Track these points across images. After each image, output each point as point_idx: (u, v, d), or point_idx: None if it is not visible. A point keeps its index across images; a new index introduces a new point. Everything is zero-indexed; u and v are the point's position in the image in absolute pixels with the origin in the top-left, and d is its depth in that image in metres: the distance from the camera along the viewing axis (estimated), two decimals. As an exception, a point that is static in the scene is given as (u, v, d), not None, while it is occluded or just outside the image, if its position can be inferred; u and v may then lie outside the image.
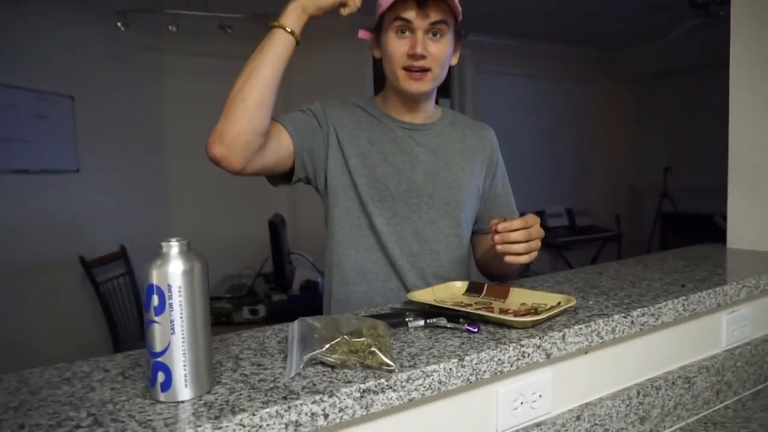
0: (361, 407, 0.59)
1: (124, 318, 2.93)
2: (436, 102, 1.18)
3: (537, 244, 0.90)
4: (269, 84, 0.92)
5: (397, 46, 1.02)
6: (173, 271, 0.55)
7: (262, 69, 0.91)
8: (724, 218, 1.50)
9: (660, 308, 0.90)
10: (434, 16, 1.00)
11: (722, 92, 1.52)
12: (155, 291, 0.55)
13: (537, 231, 0.90)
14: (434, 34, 1.02)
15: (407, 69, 1.02)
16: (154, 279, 0.55)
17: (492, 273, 1.18)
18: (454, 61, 1.10)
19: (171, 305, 0.55)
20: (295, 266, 2.68)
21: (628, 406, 0.88)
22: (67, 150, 3.02)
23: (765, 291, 1.12)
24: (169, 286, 0.55)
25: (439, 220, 1.10)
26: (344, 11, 0.97)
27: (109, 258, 3.01)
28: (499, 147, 1.21)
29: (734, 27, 1.43)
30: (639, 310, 0.87)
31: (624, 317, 0.85)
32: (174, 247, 0.56)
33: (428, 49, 1.01)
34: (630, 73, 5.31)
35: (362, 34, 1.10)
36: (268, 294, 2.63)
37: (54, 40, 2.95)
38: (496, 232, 0.90)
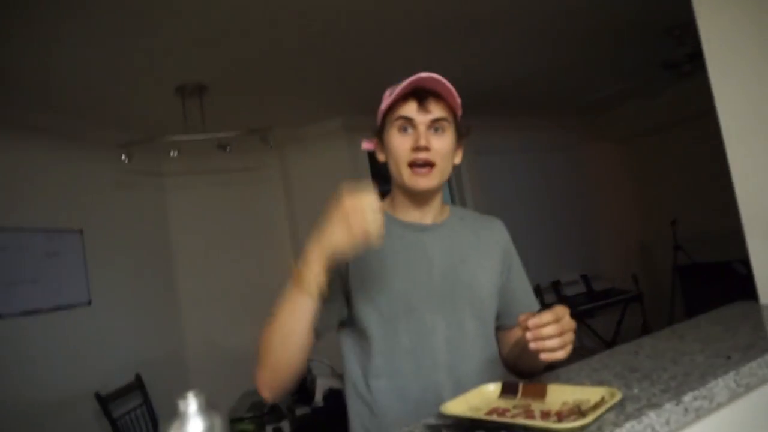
0: None
1: (142, 452, 2.79)
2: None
3: (571, 336, 0.86)
4: (306, 338, 0.94)
5: (401, 143, 1.02)
6: (193, 426, 0.51)
7: (298, 330, 0.92)
8: (743, 263, 1.45)
9: (711, 388, 0.84)
10: (435, 113, 1.02)
11: (711, 140, 1.53)
12: (175, 457, 0.51)
13: (569, 323, 0.87)
14: (436, 130, 1.03)
15: (412, 165, 1.02)
16: (173, 442, 0.52)
17: (522, 370, 1.12)
18: (458, 159, 1.11)
19: (193, 471, 0.51)
20: (315, 374, 2.58)
21: (700, 505, 0.79)
22: (78, 284, 3.03)
23: (815, 349, 1.05)
24: (190, 448, 0.51)
25: (465, 322, 1.06)
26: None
27: (125, 390, 2.92)
28: (510, 238, 1.20)
29: (714, 81, 1.46)
30: (690, 393, 0.81)
31: (676, 405, 0.79)
32: (191, 405, 0.53)
33: (431, 144, 1.01)
34: (619, 133, 5.44)
35: (366, 145, 1.12)
36: (291, 408, 2.51)
37: (60, 178, 3.06)
38: (526, 328, 0.86)
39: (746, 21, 1.41)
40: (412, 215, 1.09)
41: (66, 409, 2.77)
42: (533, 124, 5.00)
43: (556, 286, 4.74)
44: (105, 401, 2.68)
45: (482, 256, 1.12)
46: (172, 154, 3.12)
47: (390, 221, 1.09)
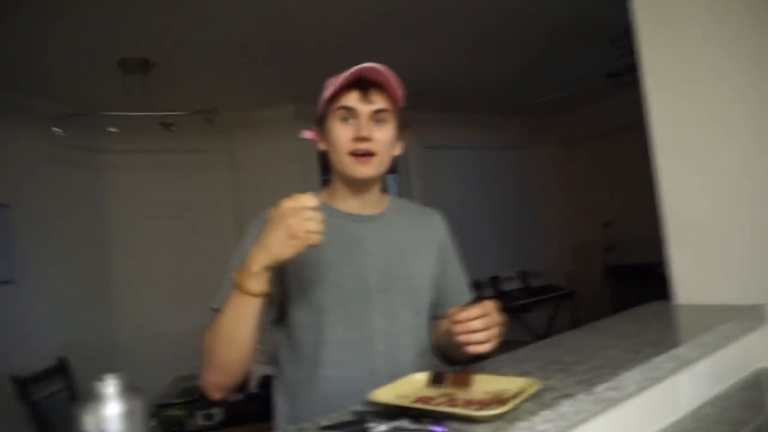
0: None
1: (65, 438, 2.68)
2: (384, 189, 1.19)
3: (497, 330, 0.90)
4: (252, 338, 0.92)
5: (342, 132, 1.02)
6: (110, 414, 0.51)
7: (243, 332, 0.91)
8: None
9: (621, 380, 0.90)
10: (377, 103, 1.02)
11: (646, 149, 1.62)
12: (90, 437, 0.50)
13: (496, 317, 0.90)
14: (378, 121, 1.04)
15: (353, 154, 1.02)
16: (89, 425, 0.51)
17: (451, 358, 1.16)
18: (398, 151, 1.11)
19: (108, 453, 0.50)
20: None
21: (605, 488, 0.85)
22: (1, 260, 2.86)
23: (717, 346, 1.15)
24: (108, 424, 0.50)
25: (400, 313, 1.08)
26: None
27: (46, 374, 2.79)
28: (448, 230, 1.23)
29: (647, 92, 1.54)
30: (601, 385, 0.87)
31: (587, 395, 0.84)
32: (110, 387, 0.52)
33: (373, 134, 1.02)
34: (564, 137, 5.66)
35: (306, 134, 1.11)
36: (225, 394, 2.47)
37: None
38: (456, 322, 0.89)
39: (682, 36, 1.49)
40: (351, 205, 1.10)
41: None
42: (482, 122, 5.11)
43: (494, 281, 4.89)
44: (23, 384, 2.55)
45: (419, 249, 1.14)
46: (111, 130, 2.99)
47: (327, 211, 1.08)
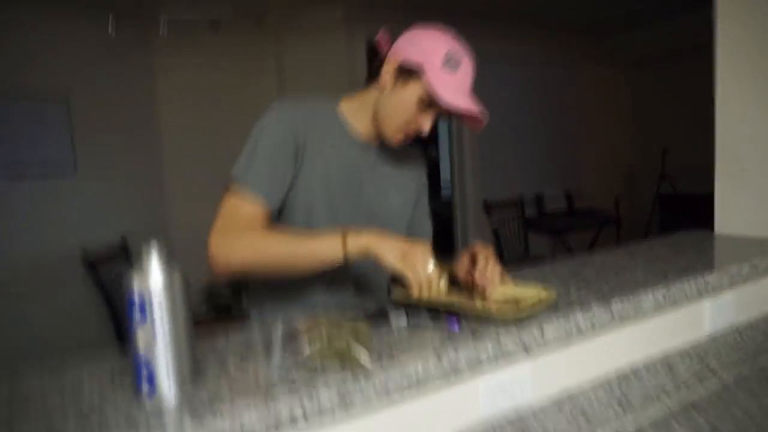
0: (341, 407, 0.62)
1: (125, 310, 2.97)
2: None
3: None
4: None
5: (411, 113, 1.01)
6: (154, 280, 0.57)
7: (301, 267, 0.94)
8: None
9: (640, 299, 0.92)
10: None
11: (711, 74, 1.52)
12: (136, 300, 0.57)
13: (492, 254, 0.95)
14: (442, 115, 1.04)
15: (404, 132, 1.03)
16: (135, 288, 0.58)
17: None
18: None
19: (152, 313, 0.57)
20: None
21: (609, 395, 0.90)
22: (64, 151, 3.05)
23: (749, 277, 1.13)
24: (151, 294, 0.57)
25: None
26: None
27: (110, 253, 3.04)
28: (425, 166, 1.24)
29: (719, 14, 1.43)
30: (618, 301, 0.89)
31: (603, 309, 0.87)
32: (153, 256, 0.58)
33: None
34: (623, 58, 5.29)
35: (381, 38, 1.06)
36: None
37: (47, 40, 2.96)
38: (479, 281, 0.92)
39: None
40: (365, 129, 1.08)
41: (51, 270, 2.92)
42: (541, 36, 4.81)
43: (539, 199, 4.85)
44: (93, 266, 2.79)
45: (403, 187, 1.15)
46: (161, 23, 3.00)
47: (342, 131, 1.08)
